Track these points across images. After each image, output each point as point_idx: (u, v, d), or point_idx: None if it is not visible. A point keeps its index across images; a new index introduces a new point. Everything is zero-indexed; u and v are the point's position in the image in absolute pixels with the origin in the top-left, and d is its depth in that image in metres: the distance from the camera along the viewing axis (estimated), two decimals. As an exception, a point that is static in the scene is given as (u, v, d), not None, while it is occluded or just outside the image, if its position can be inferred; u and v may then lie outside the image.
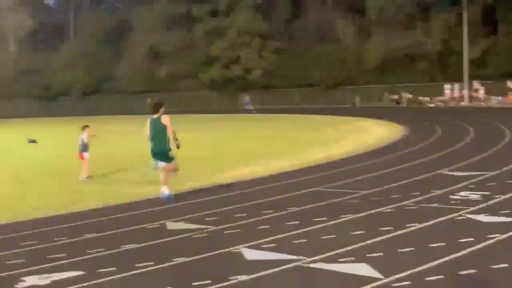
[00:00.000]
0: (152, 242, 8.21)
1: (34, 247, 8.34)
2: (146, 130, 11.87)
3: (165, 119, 11.78)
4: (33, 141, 28.41)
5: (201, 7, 65.38)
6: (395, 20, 52.58)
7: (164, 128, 11.69)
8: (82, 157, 15.63)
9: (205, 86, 65.74)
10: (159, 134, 11.70)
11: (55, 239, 8.75)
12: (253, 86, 62.47)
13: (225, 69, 62.85)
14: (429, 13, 52.82)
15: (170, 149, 11.82)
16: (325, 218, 9.07)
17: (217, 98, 65.25)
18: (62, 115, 62.27)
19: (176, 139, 11.83)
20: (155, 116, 11.90)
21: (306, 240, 7.89)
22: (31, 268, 7.13)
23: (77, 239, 8.74)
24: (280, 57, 61.72)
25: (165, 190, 11.57)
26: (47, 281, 6.60)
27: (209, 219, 9.50)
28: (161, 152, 11.73)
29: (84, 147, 15.70)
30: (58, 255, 7.72)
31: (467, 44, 45.21)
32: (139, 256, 7.51)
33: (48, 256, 7.69)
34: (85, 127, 16.14)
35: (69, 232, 9.23)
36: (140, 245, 8.12)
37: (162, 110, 11.94)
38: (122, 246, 8.04)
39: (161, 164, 11.79)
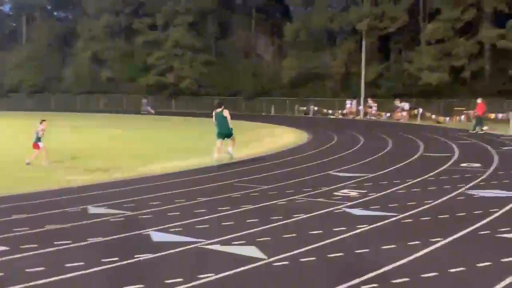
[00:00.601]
0: (73, 224, 8.08)
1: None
2: (213, 118, 15.61)
3: (226, 112, 15.37)
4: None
5: (141, 21, 64.74)
6: (307, 44, 53.44)
7: (225, 117, 15.28)
8: (37, 147, 15.35)
9: (143, 90, 64.86)
10: (221, 121, 15.30)
11: (-14, 218, 8.47)
12: (183, 92, 62.13)
13: (160, 76, 62.18)
14: (335, 40, 54.08)
15: (231, 129, 15.33)
16: (228, 208, 9.19)
17: (153, 101, 64.45)
18: (11, 110, 59.79)
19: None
20: (218, 110, 15.42)
21: (208, 225, 7.97)
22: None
23: (7, 219, 8.48)
24: (209, 69, 61.60)
25: (230, 149, 15.26)
26: (-28, 255, 6.41)
27: (128, 205, 9.42)
28: (225, 132, 15.29)
29: (38, 138, 15.43)
30: (-14, 232, 7.48)
31: (364, 68, 46.42)
32: (59, 235, 7.37)
33: (-23, 233, 7.44)
34: (43, 121, 15.86)
35: (1, 212, 8.95)
36: (62, 226, 7.97)
37: (222, 107, 15.41)
38: (45, 226, 7.87)
39: (227, 139, 15.36)
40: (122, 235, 7.39)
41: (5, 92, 70.37)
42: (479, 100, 29.60)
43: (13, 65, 68.78)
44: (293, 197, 10.15)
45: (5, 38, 75.87)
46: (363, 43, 46.71)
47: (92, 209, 9.10)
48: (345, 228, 7.63)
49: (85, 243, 6.98)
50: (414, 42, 47.92)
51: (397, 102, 42.81)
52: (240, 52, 61.36)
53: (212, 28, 62.69)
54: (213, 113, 15.65)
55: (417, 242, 6.90)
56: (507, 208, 9.08)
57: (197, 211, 8.93)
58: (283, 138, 25.47)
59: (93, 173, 13.52)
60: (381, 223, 8.04)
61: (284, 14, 64.05)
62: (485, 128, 28.57)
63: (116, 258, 6.24)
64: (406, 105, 42.58)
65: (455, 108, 33.72)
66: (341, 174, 13.26)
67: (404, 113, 42.07)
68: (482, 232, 7.48)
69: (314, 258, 6.25)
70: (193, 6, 60.02)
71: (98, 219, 8.37)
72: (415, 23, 48.13)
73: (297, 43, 54.30)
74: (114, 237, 7.29)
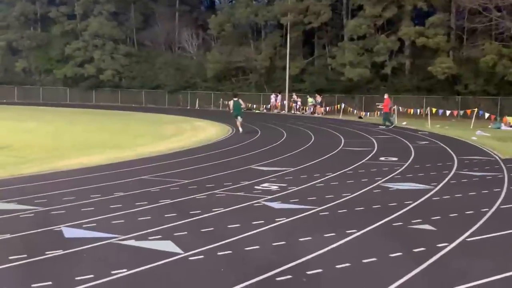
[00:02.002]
0: (-21, 221, 7.73)
1: None
2: (231, 106, 25.39)
3: (241, 101, 25.32)
4: None
5: (58, 9, 62.60)
6: (232, 37, 53.54)
7: (239, 104, 24.85)
8: None
9: (60, 82, 62.85)
10: (237, 107, 24.62)
11: None
12: (104, 84, 60.73)
13: (79, 68, 60.40)
14: (260, 34, 54.50)
15: (242, 112, 24.81)
16: (146, 203, 9.08)
17: (71, 93, 62.59)
18: None
19: (244, 108, 26.18)
20: (235, 99, 25.08)
21: (123, 220, 7.85)
22: None
23: None
24: (130, 61, 60.53)
25: (241, 129, 23.88)
26: None
27: (39, 201, 9.11)
28: (238, 114, 24.27)
29: None
30: None
31: (289, 62, 47.09)
32: (-37, 233, 7.04)
33: None
34: None
35: None
36: (-34, 223, 7.61)
37: (238, 96, 25.70)
38: None
39: (239, 118, 24.22)
40: (32, 231, 7.14)
41: None
42: (385, 96, 30.94)
43: None
44: (213, 191, 10.16)
45: None
46: (288, 37, 47.34)
47: (0, 205, 8.73)
48: (263, 222, 7.73)
49: (-10, 240, 6.70)
50: (338, 37, 49.12)
51: (318, 98, 43.93)
52: (162, 45, 60.63)
53: (134, 18, 61.56)
54: (232, 101, 25.13)
55: (332, 234, 7.10)
56: (421, 200, 9.51)
57: (113, 206, 8.77)
58: (205, 132, 25.48)
59: (3, 168, 12.96)
60: (299, 216, 8.21)
61: (209, 7, 64.00)
62: (387, 124, 29.50)
63: (24, 255, 6.03)
64: (318, 99, 43.86)
65: (376, 104, 34.94)
66: (263, 168, 13.41)
67: (317, 108, 43.41)
68: (396, 224, 7.79)
69: (230, 252, 6.30)
70: (114, -5, 58.72)
71: (6, 215, 8.04)
72: (339, 19, 49.30)
73: (222, 36, 54.35)
74: (24, 233, 7.03)
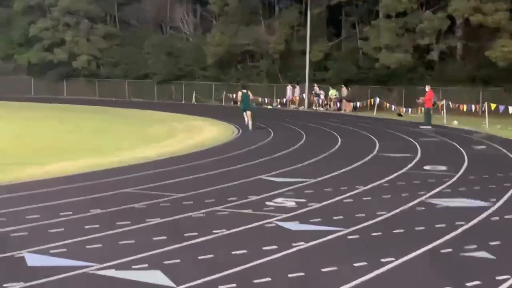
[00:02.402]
0: None
1: None
2: (239, 97, 27.91)
3: (249, 93, 27.44)
4: None
5: (21, -20, 63.24)
6: (238, 14, 53.64)
7: (248, 96, 27.02)
8: None
9: (23, 70, 63.38)
10: (246, 100, 26.91)
11: None
12: (78, 73, 61.11)
13: (46, 53, 60.83)
14: (273, 10, 54.63)
15: (251, 105, 27.40)
16: (129, 222, 9.12)
17: (36, 84, 63.09)
18: None
19: (252, 102, 28.66)
20: (244, 91, 27.25)
21: (101, 245, 7.87)
22: None
23: None
24: (111, 43, 60.88)
25: (250, 124, 26.32)
26: None
27: (-4, 220, 9.19)
28: (246, 108, 26.67)
29: None
30: None
31: (309, 46, 47.13)
32: None
33: None
34: None
35: None
36: None
37: (248, 88, 27.77)
38: None
39: (248, 112, 26.55)
40: (-14, 258, 7.20)
41: None
42: (427, 88, 30.92)
43: None
44: (213, 208, 10.19)
45: None
46: (308, 14, 47.38)
47: None
48: (276, 247, 7.72)
49: None
50: (371, 14, 49.11)
51: (344, 91, 44.14)
52: (151, 24, 60.90)
53: (115, -9, 61.96)
54: (240, 93, 27.65)
55: (364, 263, 7.08)
56: (476, 221, 9.47)
57: (88, 226, 8.82)
58: (204, 133, 25.59)
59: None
60: (322, 239, 8.21)
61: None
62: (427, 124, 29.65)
63: (-25, 289, 6.08)
64: (345, 92, 44.15)
65: (417, 99, 34.83)
66: (276, 179, 13.42)
67: (345, 103, 43.67)
68: (444, 251, 7.76)
69: (234, 285, 6.30)
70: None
71: (-46, 239, 8.12)
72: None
73: (225, 13, 54.45)
74: (-25, 261, 7.09)
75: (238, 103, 28.45)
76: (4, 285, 6.24)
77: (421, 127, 28.95)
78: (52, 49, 60.76)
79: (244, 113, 26.61)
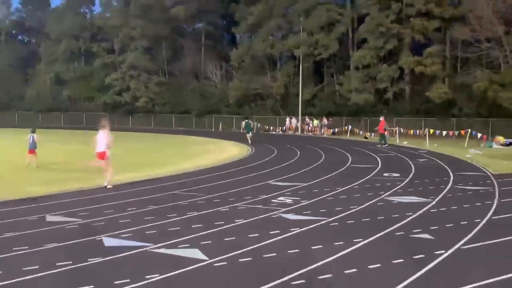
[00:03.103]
0: (31, 231, 7.84)
1: None
2: (243, 125, 33.73)
3: (251, 121, 31.36)
4: None
5: (99, 45, 63.75)
6: (251, 67, 53.86)
7: (249, 124, 31.83)
8: (33, 152, 17.49)
9: (100, 108, 63.69)
10: (248, 126, 31.49)
11: None
12: (139, 110, 61.38)
13: (117, 96, 61.20)
14: (276, 64, 54.77)
15: (251, 130, 31.70)
16: (175, 215, 9.14)
17: (110, 118, 63.33)
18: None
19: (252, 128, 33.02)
20: (247, 121, 32.33)
21: (155, 231, 7.90)
22: None
23: (-34, 228, 8.14)
24: (162, 89, 61.14)
25: (249, 140, 30.05)
26: None
27: (82, 214, 9.22)
28: (249, 131, 30.67)
29: (33, 145, 17.67)
30: None
31: (301, 89, 47.14)
32: (17, 242, 7.14)
33: None
34: (34, 130, 18.48)
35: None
36: (21, 233, 7.72)
37: (251, 120, 31.84)
38: (5, 234, 7.60)
39: (250, 134, 30.29)
40: (76, 240, 7.23)
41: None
42: (381, 118, 30.84)
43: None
44: (235, 204, 10.19)
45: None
46: (300, 67, 47.48)
47: (49, 218, 8.86)
48: (279, 231, 7.73)
49: (41, 248, 6.79)
50: (344, 67, 49.12)
51: (325, 120, 44.05)
52: (190, 74, 61.18)
53: (165, 52, 62.33)
54: (243, 123, 32.04)
55: (341, 243, 7.07)
56: (420, 212, 9.43)
57: (147, 218, 8.84)
58: (228, 151, 25.50)
59: (51, 183, 13.14)
60: (312, 226, 8.19)
61: (231, 41, 64.50)
62: (382, 143, 29.30)
63: (69, 262, 6.11)
64: (325, 121, 44.08)
65: (374, 128, 34.75)
66: (279, 183, 13.40)
67: (325, 129, 43.58)
68: (398, 233, 7.73)
69: (250, 259, 6.31)
70: (147, 32, 59.55)
71: (55, 227, 8.16)
72: (345, 51, 49.36)
73: (242, 67, 54.71)
74: (69, 242, 7.12)
75: (241, 129, 32.48)
76: (88, 259, 6.28)
77: (377, 146, 28.86)
78: (121, 93, 61.05)
79: (247, 134, 31.34)
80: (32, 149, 17.62)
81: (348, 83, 45.61)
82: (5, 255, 6.45)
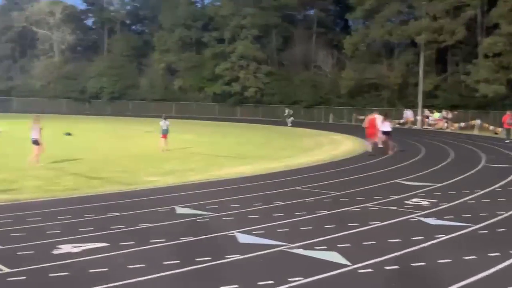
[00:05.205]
0: (164, 223, 8.16)
1: (68, 221, 8.27)
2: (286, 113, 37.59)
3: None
4: (69, 134, 28.23)
5: (210, 34, 65.67)
6: (365, 56, 52.59)
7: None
8: (166, 137, 20.55)
9: (210, 98, 65.77)
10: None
11: (85, 215, 8.68)
12: (248, 100, 62.53)
13: (226, 86, 62.81)
14: (393, 52, 52.97)
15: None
16: (304, 213, 9.05)
17: (218, 108, 65.24)
18: (93, 114, 62.29)
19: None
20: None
21: (288, 229, 7.86)
22: (65, 238, 7.07)
23: (102, 216, 8.67)
24: (271, 79, 61.72)
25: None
26: (79, 250, 6.55)
27: (210, 207, 9.45)
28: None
29: (166, 130, 20.66)
30: (87, 229, 7.66)
31: (422, 79, 45.18)
32: (153, 233, 7.46)
33: (79, 229, 7.62)
34: (166, 117, 21.45)
35: (96, 210, 9.16)
36: (154, 224, 8.07)
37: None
38: (139, 225, 7.98)
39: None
40: (210, 235, 7.38)
41: (87, 98, 73.16)
42: (508, 112, 29.15)
43: (95, 74, 71.22)
44: (365, 205, 9.89)
45: (89, 49, 79.06)
46: (421, 55, 45.51)
47: (179, 210, 9.18)
48: (423, 238, 7.33)
49: (178, 241, 7.02)
50: (472, 55, 46.28)
51: (449, 114, 41.93)
52: (300, 64, 61.09)
53: (274, 41, 62.78)
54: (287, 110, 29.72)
55: (497, 254, 6.54)
56: None
57: (275, 214, 8.84)
58: (343, 145, 25.04)
59: (173, 174, 13.69)
60: (458, 233, 7.69)
61: (343, 28, 63.42)
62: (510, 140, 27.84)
63: (208, 258, 6.23)
64: (449, 115, 41.90)
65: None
66: (408, 182, 12.84)
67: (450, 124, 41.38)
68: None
69: (398, 267, 6.02)
70: (258, 21, 60.34)
71: (186, 219, 8.43)
72: (473, 37, 46.50)
73: (356, 55, 53.55)
74: (203, 237, 7.29)
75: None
76: (226, 256, 6.35)
77: (506, 141, 27.19)
78: (230, 83, 62.48)
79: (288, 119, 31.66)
80: (165, 134, 20.54)
81: (476, 73, 42.87)
82: (144, 247, 6.73)
